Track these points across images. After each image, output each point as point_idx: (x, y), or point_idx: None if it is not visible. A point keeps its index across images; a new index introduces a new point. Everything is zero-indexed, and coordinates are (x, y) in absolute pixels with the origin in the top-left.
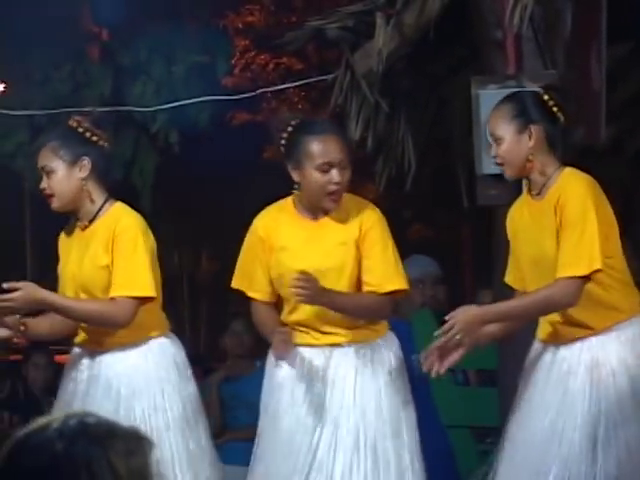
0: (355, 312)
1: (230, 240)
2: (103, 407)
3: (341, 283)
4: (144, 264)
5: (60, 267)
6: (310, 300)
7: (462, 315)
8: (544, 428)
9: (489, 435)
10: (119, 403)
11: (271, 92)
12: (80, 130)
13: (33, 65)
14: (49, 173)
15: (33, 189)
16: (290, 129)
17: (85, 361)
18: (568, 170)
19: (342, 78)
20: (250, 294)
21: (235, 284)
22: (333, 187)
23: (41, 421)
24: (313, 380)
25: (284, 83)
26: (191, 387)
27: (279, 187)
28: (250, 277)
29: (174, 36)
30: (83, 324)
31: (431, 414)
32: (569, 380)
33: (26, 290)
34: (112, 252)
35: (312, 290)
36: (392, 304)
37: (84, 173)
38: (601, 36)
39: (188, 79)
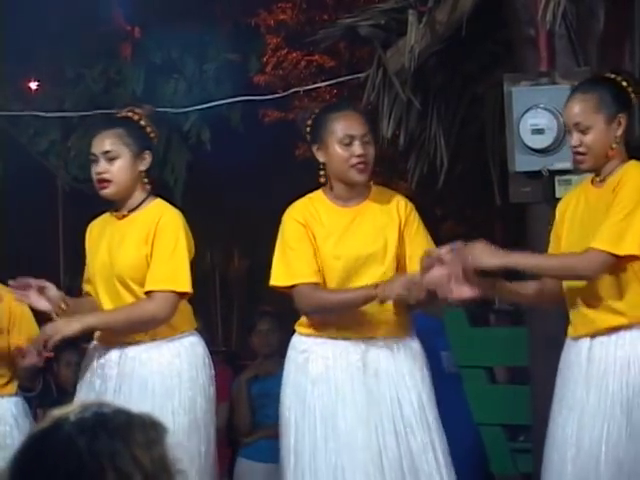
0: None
1: (262, 238)
2: (139, 405)
3: (380, 269)
4: (184, 260)
5: (88, 257)
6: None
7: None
8: (593, 433)
9: (521, 433)
10: (154, 401)
11: (302, 90)
12: (142, 123)
13: (65, 63)
14: (113, 159)
15: (66, 187)
16: (313, 115)
17: (113, 357)
18: (634, 161)
19: (374, 76)
20: (306, 280)
21: (278, 281)
22: (355, 159)
23: (55, 415)
24: (353, 373)
25: (316, 81)
26: (213, 389)
27: (310, 185)
28: (301, 264)
29: (206, 34)
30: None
31: (462, 412)
32: (607, 380)
33: (58, 331)
34: (152, 245)
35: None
36: None
37: (144, 166)
38: (634, 33)
39: (220, 77)
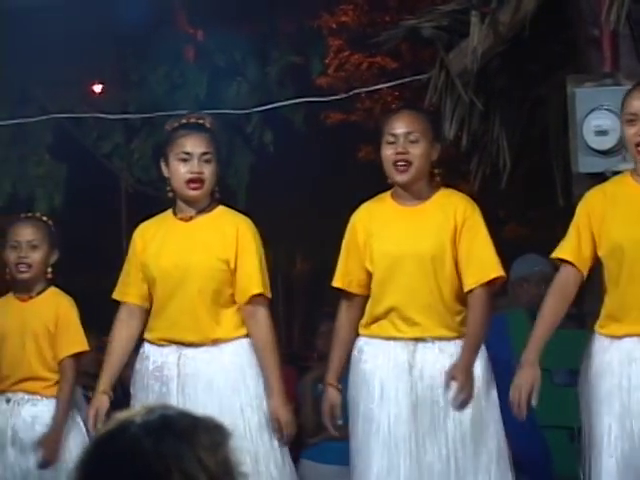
0: (482, 332)
1: (324, 240)
2: (206, 405)
3: (438, 269)
4: (264, 264)
5: (145, 259)
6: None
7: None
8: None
9: None
10: (221, 400)
11: (365, 92)
12: (214, 132)
13: (129, 66)
14: (209, 160)
15: (129, 189)
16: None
17: (171, 359)
18: None
19: (437, 77)
20: (337, 285)
21: (336, 283)
22: (397, 157)
23: (121, 417)
24: (400, 374)
25: (378, 83)
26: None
27: (373, 186)
28: (348, 271)
29: (268, 37)
30: (167, 320)
31: (527, 414)
32: None
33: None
34: (237, 251)
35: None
36: (492, 292)
37: (219, 172)
38: None
39: (282, 79)
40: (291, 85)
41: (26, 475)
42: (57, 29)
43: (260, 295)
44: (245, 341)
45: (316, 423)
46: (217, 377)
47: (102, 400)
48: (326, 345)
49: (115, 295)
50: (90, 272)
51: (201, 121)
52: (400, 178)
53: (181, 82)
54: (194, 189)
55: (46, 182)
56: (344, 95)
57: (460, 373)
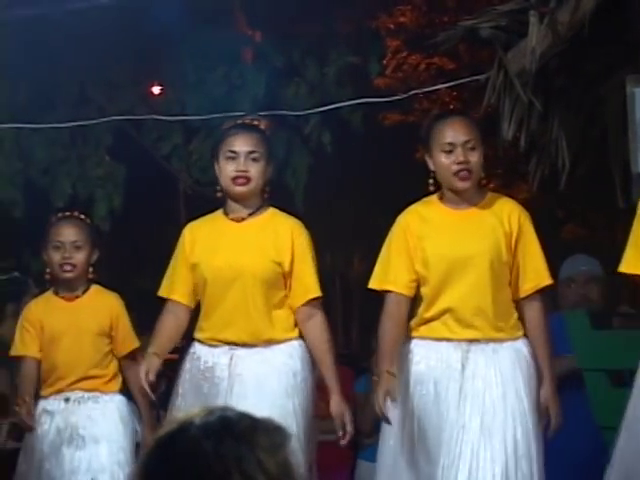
0: (550, 337)
1: (381, 241)
2: (256, 406)
3: (493, 272)
4: (316, 266)
5: (195, 259)
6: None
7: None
8: None
9: None
10: (274, 401)
11: (422, 92)
12: (267, 134)
13: (188, 67)
14: (257, 159)
15: (187, 190)
16: (427, 121)
17: (223, 360)
18: None
19: (495, 78)
20: (389, 287)
21: (371, 283)
22: (456, 167)
23: (180, 419)
24: (452, 375)
25: (436, 83)
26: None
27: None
28: (394, 271)
29: (326, 38)
30: (219, 321)
31: (584, 414)
32: None
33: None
34: (292, 254)
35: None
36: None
37: (269, 174)
38: None
39: (340, 80)
40: (349, 86)
41: (78, 472)
42: (115, 30)
43: (316, 297)
44: (297, 343)
45: (373, 423)
46: (269, 378)
47: (153, 359)
48: None
49: (161, 292)
50: (148, 273)
51: (256, 122)
52: (462, 185)
53: (240, 83)
54: (240, 184)
55: (105, 183)
56: (402, 96)
57: (553, 402)
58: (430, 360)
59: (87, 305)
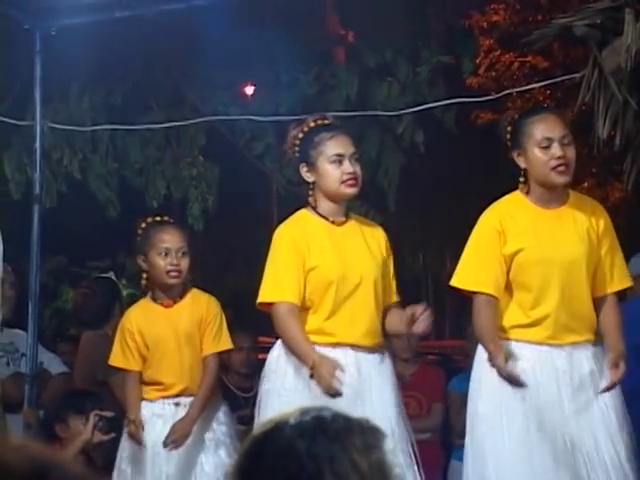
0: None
1: None
2: (382, 409)
3: (581, 274)
4: None
5: (312, 262)
6: None
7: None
8: None
9: None
10: (390, 407)
11: (516, 92)
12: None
13: (280, 68)
14: (358, 159)
15: (280, 190)
16: (512, 121)
17: (351, 361)
18: None
19: (589, 76)
20: (479, 288)
21: (457, 282)
22: (555, 162)
23: (276, 419)
24: (559, 378)
25: (529, 82)
26: None
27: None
28: (486, 272)
29: (419, 37)
30: (342, 324)
31: None
32: None
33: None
34: (388, 259)
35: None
36: None
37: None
38: None
39: (433, 79)
40: (442, 85)
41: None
42: (209, 31)
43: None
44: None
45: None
46: (386, 382)
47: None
48: (473, 348)
49: (275, 297)
50: (242, 273)
51: (327, 121)
52: (561, 180)
53: (332, 83)
54: (351, 186)
55: (199, 183)
56: (496, 95)
57: (623, 362)
58: (531, 362)
59: (185, 309)
